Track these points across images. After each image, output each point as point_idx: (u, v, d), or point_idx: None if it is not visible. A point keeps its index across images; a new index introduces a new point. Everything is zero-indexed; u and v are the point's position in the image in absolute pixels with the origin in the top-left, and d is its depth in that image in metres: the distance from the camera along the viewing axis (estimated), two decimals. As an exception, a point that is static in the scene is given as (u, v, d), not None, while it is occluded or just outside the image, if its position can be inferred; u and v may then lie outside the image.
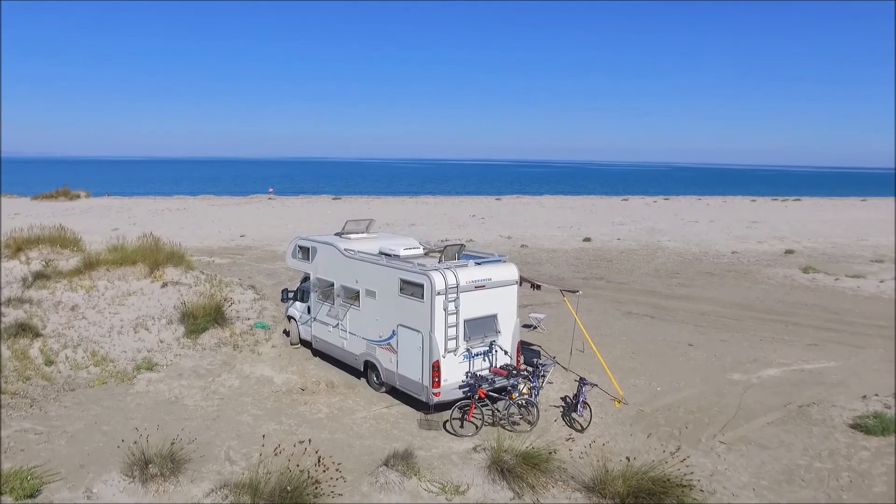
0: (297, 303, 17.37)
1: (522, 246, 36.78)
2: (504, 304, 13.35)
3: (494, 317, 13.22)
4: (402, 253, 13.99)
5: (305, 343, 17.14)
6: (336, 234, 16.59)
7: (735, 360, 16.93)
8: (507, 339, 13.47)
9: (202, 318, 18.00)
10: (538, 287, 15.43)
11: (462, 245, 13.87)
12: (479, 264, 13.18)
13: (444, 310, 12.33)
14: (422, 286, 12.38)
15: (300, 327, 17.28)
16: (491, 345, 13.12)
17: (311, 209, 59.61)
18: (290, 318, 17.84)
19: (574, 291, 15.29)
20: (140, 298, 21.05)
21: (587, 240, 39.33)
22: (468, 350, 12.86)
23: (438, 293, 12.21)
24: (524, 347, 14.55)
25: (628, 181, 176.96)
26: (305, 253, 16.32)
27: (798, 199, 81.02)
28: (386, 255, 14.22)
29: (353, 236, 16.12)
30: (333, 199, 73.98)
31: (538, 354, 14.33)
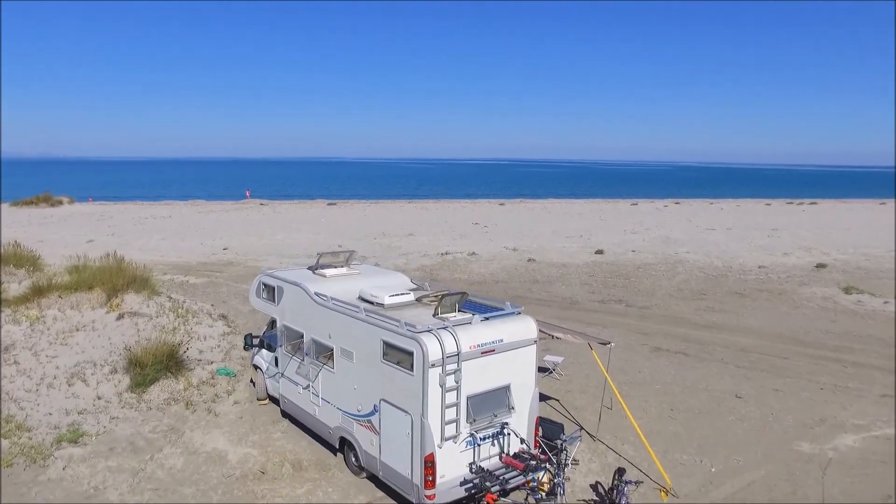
0: (265, 350, 14.30)
1: (530, 260, 33.68)
2: (519, 372, 10.27)
3: (507, 389, 10.13)
4: (388, 301, 10.91)
5: (274, 398, 14.07)
6: (309, 269, 13.53)
7: (798, 420, 13.84)
8: (524, 418, 10.39)
9: (151, 367, 14.96)
10: (558, 337, 12.37)
11: (464, 294, 10.77)
12: (486, 319, 10.08)
13: (441, 385, 9.26)
14: (411, 354, 9.30)
15: (267, 381, 14.22)
16: (502, 427, 10.04)
17: (304, 216, 56.51)
18: (256, 367, 14.79)
19: (605, 343, 12.21)
20: (88, 335, 18.01)
21: (599, 252, 36.21)
22: (472, 435, 9.78)
23: (433, 364, 9.13)
24: (544, 422, 11.47)
25: (634, 182, 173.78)
26: (271, 293, 13.23)
27: (814, 202, 77.77)
28: (366, 302, 11.15)
29: (328, 273, 13.03)
30: (328, 204, 70.87)
31: (562, 429, 11.29)
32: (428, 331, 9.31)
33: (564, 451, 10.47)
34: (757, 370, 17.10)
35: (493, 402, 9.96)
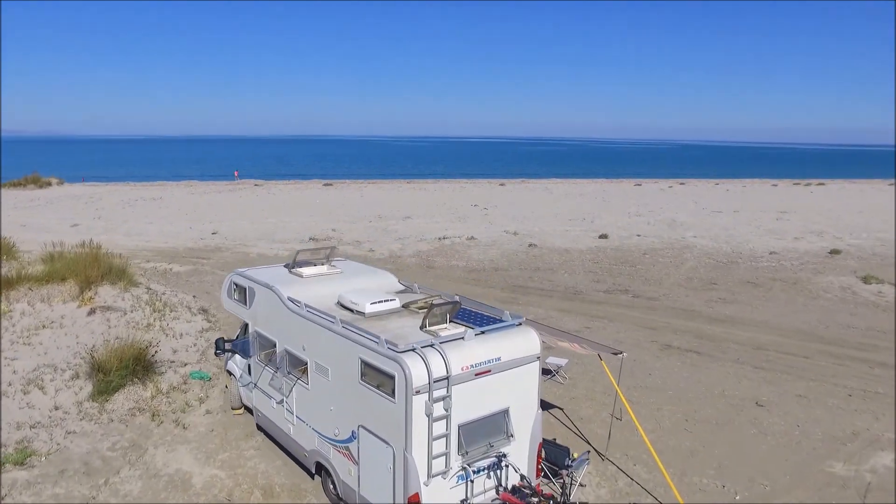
0: (238, 356, 12.95)
1: (531, 245, 32.25)
2: (519, 393, 8.91)
3: (505, 413, 8.78)
4: (369, 309, 9.53)
5: (249, 408, 12.75)
6: (286, 267, 12.13)
7: (827, 433, 12.53)
8: (524, 445, 9.05)
9: (116, 372, 13.63)
10: (563, 346, 11.00)
11: (456, 303, 9.36)
12: (482, 333, 8.69)
13: (428, 415, 7.90)
14: (392, 378, 7.93)
15: (241, 389, 12.90)
16: (500, 458, 8.70)
17: (299, 197, 54.96)
18: (230, 373, 13.47)
19: (617, 353, 10.84)
20: (54, 334, 16.68)
21: (604, 237, 34.74)
22: (464, 468, 8.45)
23: (417, 391, 7.76)
24: (548, 444, 10.15)
25: (635, 161, 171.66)
26: (242, 294, 11.84)
27: (821, 183, 76.03)
28: (346, 309, 9.78)
29: (306, 273, 11.62)
30: (324, 184, 69.25)
31: (568, 453, 9.98)
32: (412, 350, 7.93)
33: (571, 479, 9.18)
34: (776, 371, 15.78)
35: (488, 429, 8.61)
